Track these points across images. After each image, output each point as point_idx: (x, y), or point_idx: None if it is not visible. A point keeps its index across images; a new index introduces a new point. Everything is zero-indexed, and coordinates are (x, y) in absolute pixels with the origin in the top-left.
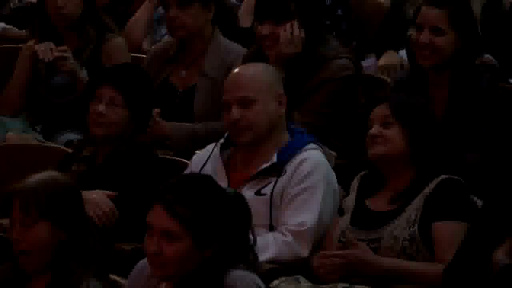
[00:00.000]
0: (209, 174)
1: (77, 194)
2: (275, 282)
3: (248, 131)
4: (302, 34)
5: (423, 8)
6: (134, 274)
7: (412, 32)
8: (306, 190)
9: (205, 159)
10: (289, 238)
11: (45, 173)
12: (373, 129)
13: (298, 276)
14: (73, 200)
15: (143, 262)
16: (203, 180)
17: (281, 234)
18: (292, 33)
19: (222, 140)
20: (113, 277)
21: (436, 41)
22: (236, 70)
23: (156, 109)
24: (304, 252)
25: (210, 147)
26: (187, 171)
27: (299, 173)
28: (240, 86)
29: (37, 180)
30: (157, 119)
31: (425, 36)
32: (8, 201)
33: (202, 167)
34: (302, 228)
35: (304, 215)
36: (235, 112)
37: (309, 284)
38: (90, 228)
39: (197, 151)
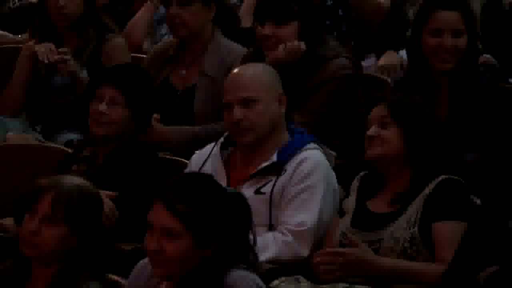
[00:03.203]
0: (209, 173)
1: (100, 206)
2: (275, 282)
3: (250, 131)
4: (303, 46)
5: (439, 12)
6: (134, 274)
7: (426, 38)
8: (306, 189)
9: (205, 159)
10: (289, 238)
11: (78, 179)
12: (370, 130)
13: (298, 276)
14: (96, 212)
15: (144, 262)
16: (204, 179)
17: (281, 234)
18: (293, 45)
19: (222, 139)
20: (113, 277)
21: (458, 44)
22: (236, 70)
23: (155, 115)
24: (304, 252)
25: (209, 146)
26: (186, 170)
27: (299, 172)
28: (241, 86)
29: (73, 183)
30: (157, 125)
31: (449, 40)
32: (31, 193)
33: (202, 166)
34: (302, 228)
35: (304, 215)
36: (237, 112)
37: (309, 284)
38: (102, 238)
39: (197, 151)
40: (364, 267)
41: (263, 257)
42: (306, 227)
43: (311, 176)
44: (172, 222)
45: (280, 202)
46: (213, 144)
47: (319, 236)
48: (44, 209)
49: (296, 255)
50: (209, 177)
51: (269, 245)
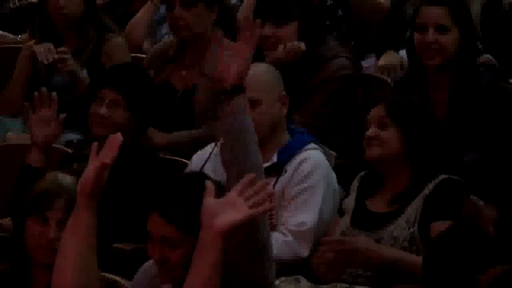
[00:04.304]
0: (200, 171)
1: None
2: (275, 282)
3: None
4: (303, 47)
5: (424, 8)
6: (138, 275)
7: (414, 34)
8: (306, 190)
9: (205, 159)
10: (289, 238)
11: (70, 177)
12: (369, 130)
13: (298, 276)
14: None
15: (149, 263)
16: (195, 179)
17: (281, 234)
18: (293, 45)
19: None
20: (112, 277)
21: (441, 39)
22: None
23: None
24: (304, 252)
25: (210, 146)
26: (187, 171)
27: (299, 173)
28: (250, 87)
29: (73, 183)
30: (153, 133)
31: (430, 35)
32: (38, 199)
33: (202, 166)
34: (302, 228)
35: (304, 215)
36: None
37: (309, 284)
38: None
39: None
40: (364, 255)
41: None
42: (306, 227)
43: (311, 177)
44: (169, 231)
45: (281, 203)
46: (213, 144)
47: (319, 236)
48: (58, 215)
49: (296, 255)
50: (201, 175)
51: None
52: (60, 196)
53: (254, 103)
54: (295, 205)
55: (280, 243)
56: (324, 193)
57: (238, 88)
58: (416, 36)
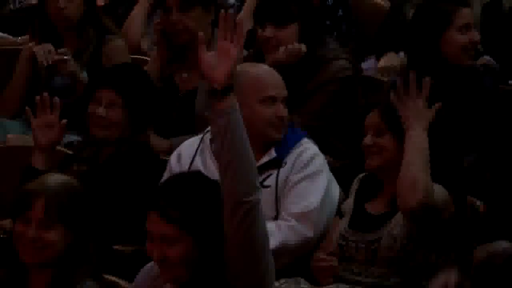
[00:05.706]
0: (197, 170)
1: (90, 201)
2: (276, 284)
3: (283, 129)
4: (303, 49)
5: (463, 9)
6: (140, 275)
7: (453, 34)
8: (307, 177)
9: (193, 154)
10: (292, 221)
11: (63, 177)
12: (366, 138)
13: (298, 278)
14: (87, 206)
15: (151, 263)
16: (192, 178)
17: (283, 220)
18: (293, 47)
19: (210, 136)
20: (111, 278)
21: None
22: (265, 68)
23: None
24: (309, 232)
25: (194, 140)
26: (167, 168)
27: (299, 163)
28: (281, 84)
29: (60, 183)
30: (155, 144)
31: (477, 35)
32: (21, 199)
33: (191, 162)
34: (306, 210)
35: (307, 200)
36: (283, 109)
37: (309, 286)
38: (94, 232)
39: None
40: None
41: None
42: (308, 209)
43: (311, 164)
44: (168, 229)
45: (284, 193)
46: (197, 138)
47: (323, 222)
48: (37, 215)
49: (302, 237)
50: (197, 174)
51: (273, 233)
52: (40, 196)
53: (285, 101)
54: (296, 192)
55: (284, 228)
56: (325, 179)
57: (228, 88)
58: (461, 37)
